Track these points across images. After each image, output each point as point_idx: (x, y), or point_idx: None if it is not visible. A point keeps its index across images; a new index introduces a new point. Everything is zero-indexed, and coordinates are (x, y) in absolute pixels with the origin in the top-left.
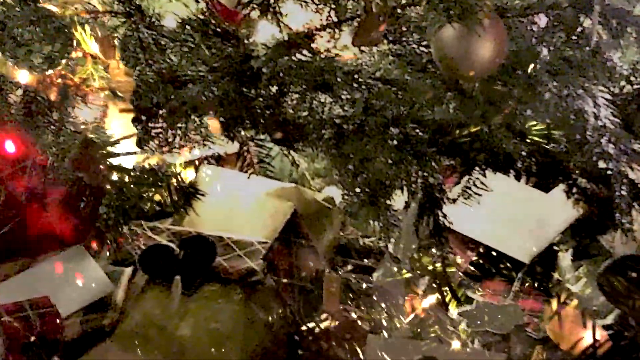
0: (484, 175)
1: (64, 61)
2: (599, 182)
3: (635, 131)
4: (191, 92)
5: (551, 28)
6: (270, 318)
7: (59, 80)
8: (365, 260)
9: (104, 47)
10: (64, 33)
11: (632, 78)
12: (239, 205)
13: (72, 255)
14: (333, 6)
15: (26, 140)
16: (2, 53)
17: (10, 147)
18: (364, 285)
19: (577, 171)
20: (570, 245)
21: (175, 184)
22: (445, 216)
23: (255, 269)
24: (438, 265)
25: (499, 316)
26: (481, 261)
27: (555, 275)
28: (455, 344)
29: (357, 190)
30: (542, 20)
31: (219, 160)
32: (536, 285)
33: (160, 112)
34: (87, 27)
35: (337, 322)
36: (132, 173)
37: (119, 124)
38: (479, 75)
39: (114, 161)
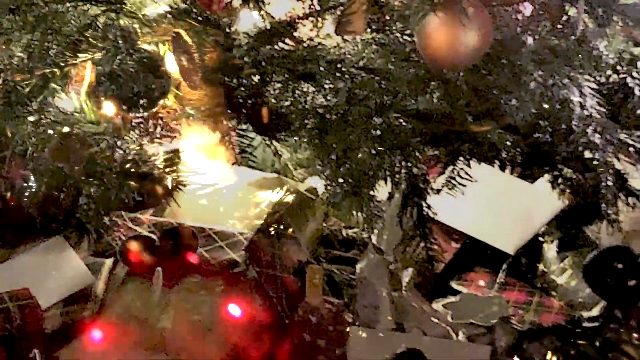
0: (469, 166)
1: None
2: (585, 172)
3: (622, 121)
4: (173, 82)
5: (536, 17)
6: (252, 310)
7: None
8: (349, 252)
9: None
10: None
11: (618, 67)
12: (221, 196)
13: (52, 247)
14: None
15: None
16: None
17: None
18: (347, 277)
19: (562, 161)
20: (556, 236)
21: (156, 175)
22: (429, 207)
23: (237, 260)
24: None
25: (484, 308)
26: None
27: (541, 267)
28: (439, 336)
29: (340, 180)
30: (527, 8)
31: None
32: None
33: (141, 101)
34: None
35: (320, 314)
36: (112, 164)
37: (192, 143)
38: (463, 65)
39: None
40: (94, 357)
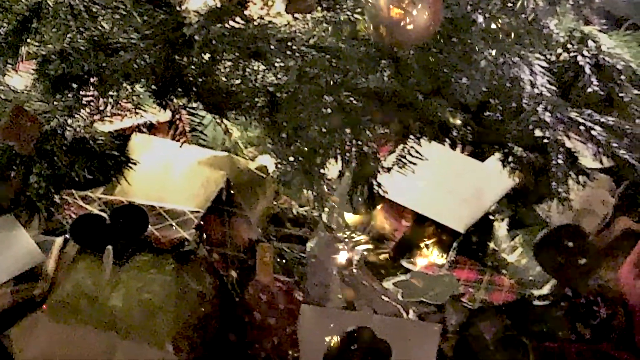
0: (419, 144)
1: None
2: (535, 150)
3: (572, 99)
4: (123, 60)
5: None
6: (202, 288)
7: None
8: (299, 230)
9: None
10: None
11: (568, 45)
12: (171, 174)
13: (2, 225)
14: None
15: None
16: None
17: None
18: (298, 255)
19: (513, 140)
20: (506, 215)
21: (106, 153)
22: (379, 185)
23: (188, 238)
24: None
25: (434, 286)
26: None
27: (491, 245)
28: (390, 315)
29: (291, 159)
30: None
31: (151, 128)
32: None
33: (92, 80)
34: None
35: (270, 292)
36: (63, 142)
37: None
38: (414, 43)
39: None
40: (44, 336)
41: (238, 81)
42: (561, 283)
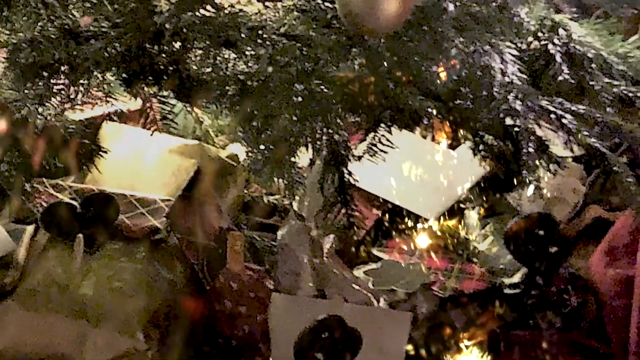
0: (390, 132)
1: None
2: (506, 139)
3: (543, 88)
4: (94, 48)
5: None
6: (173, 276)
7: None
8: (270, 218)
9: None
10: None
11: (539, 34)
12: (142, 162)
13: None
14: None
15: None
16: None
17: None
18: (269, 244)
19: (484, 128)
20: (477, 203)
21: (77, 141)
22: (350, 173)
23: (159, 227)
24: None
25: (405, 275)
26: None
27: (462, 234)
28: (360, 303)
29: (262, 147)
30: None
31: (121, 117)
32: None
33: (63, 68)
34: None
35: (241, 281)
36: (33, 130)
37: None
38: (385, 31)
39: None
40: (14, 324)
41: (209, 69)
42: (532, 271)
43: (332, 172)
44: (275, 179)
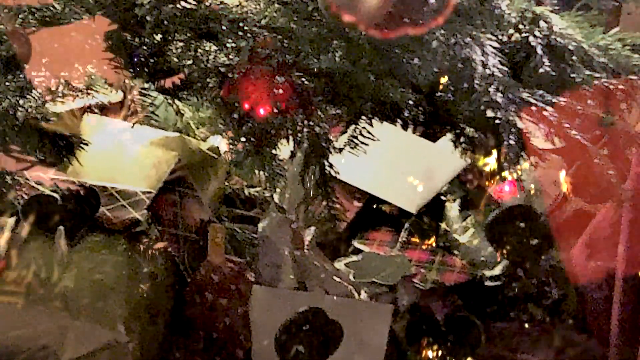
0: (371, 125)
1: None
2: (487, 131)
3: (524, 80)
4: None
5: None
6: (154, 269)
7: None
8: (251, 211)
9: None
10: None
11: (520, 26)
12: (123, 154)
13: None
14: None
15: None
16: None
17: None
18: (250, 236)
19: (464, 120)
20: (458, 195)
21: (58, 133)
22: (331, 166)
23: (140, 219)
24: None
25: (386, 267)
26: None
27: (443, 226)
28: (341, 295)
29: (243, 139)
30: None
31: (102, 109)
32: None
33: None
34: None
35: (222, 273)
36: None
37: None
38: (366, 23)
39: None
40: None
41: (190, 62)
42: (513, 264)
43: (313, 164)
44: (256, 171)
